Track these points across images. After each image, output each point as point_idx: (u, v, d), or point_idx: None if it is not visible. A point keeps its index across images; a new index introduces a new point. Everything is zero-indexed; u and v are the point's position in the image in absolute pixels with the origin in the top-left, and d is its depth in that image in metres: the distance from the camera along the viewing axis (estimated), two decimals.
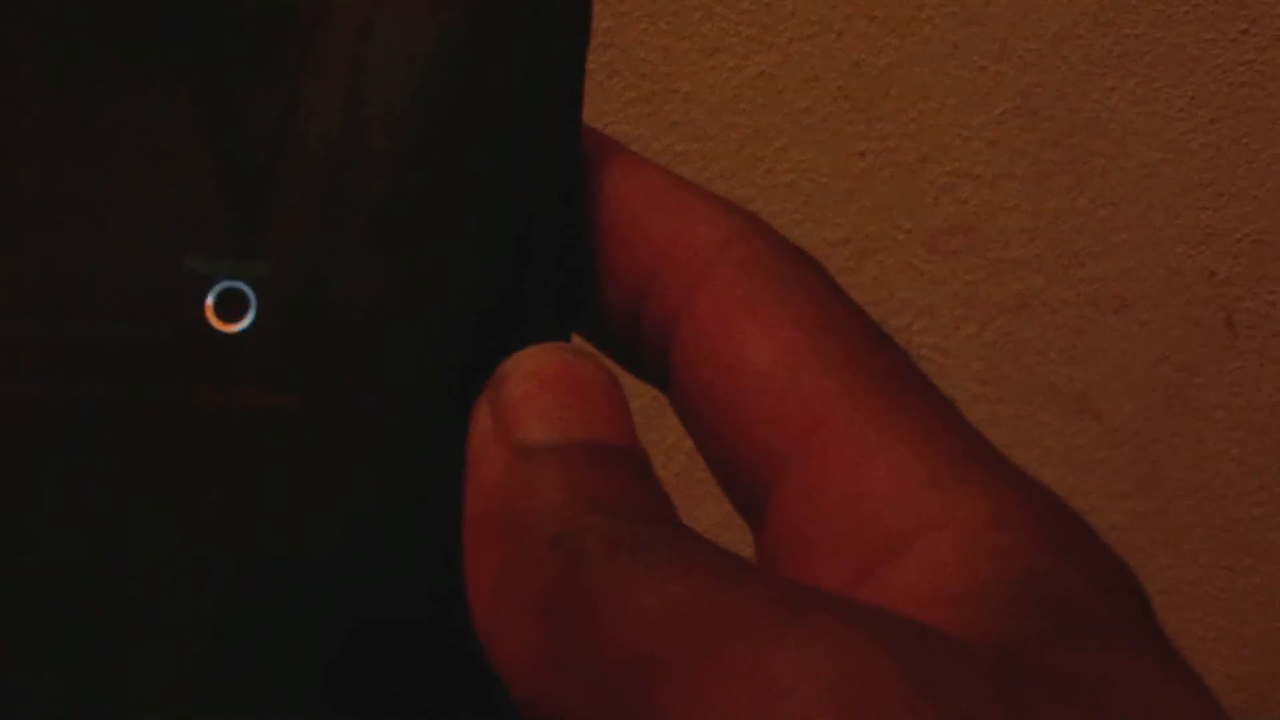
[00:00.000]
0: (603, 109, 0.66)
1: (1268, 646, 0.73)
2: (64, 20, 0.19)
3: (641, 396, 0.20)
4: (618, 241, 0.20)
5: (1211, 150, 0.68)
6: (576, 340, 0.20)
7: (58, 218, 0.19)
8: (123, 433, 0.18)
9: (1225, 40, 0.67)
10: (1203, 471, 0.71)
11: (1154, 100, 0.68)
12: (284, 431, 0.18)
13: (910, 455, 0.17)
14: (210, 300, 0.18)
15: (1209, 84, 0.68)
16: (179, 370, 0.18)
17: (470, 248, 0.19)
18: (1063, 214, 0.69)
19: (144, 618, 0.18)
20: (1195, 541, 0.71)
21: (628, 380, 0.19)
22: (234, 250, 0.19)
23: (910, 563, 0.16)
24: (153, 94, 0.19)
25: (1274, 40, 0.67)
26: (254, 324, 0.18)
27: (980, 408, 0.69)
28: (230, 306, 0.18)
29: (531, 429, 0.17)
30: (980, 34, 0.67)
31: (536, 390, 0.18)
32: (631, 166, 0.20)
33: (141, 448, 0.18)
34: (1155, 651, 0.15)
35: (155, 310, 0.18)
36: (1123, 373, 0.70)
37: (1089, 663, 0.15)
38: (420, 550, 0.18)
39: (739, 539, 0.18)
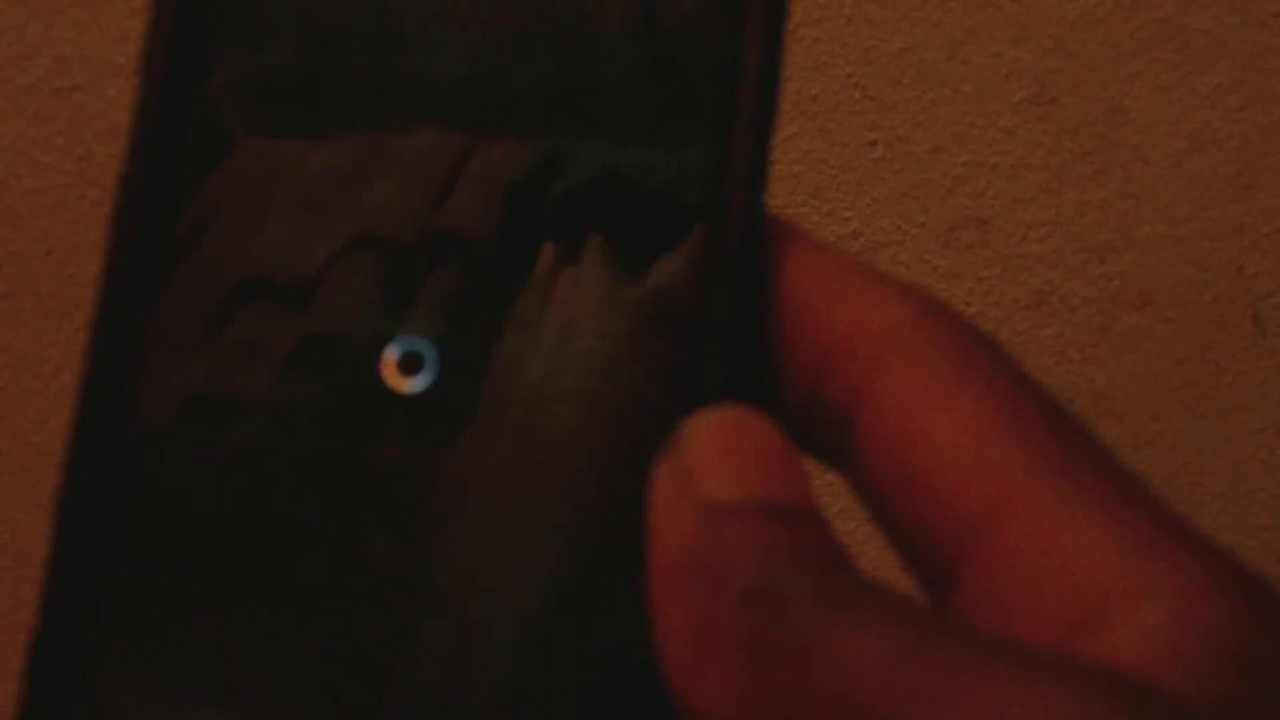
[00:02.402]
0: None
1: None
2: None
3: None
4: (796, 322, 0.20)
5: (1239, 139, 0.68)
6: None
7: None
8: (315, 484, 0.19)
9: (1254, 24, 0.67)
10: (1230, 475, 0.71)
11: (1179, 87, 0.68)
12: (463, 489, 0.19)
13: (1109, 525, 0.18)
14: (391, 358, 0.20)
15: (1237, 70, 0.67)
16: (357, 425, 0.19)
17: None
18: (1082, 207, 0.68)
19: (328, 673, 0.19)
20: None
21: None
22: (414, 309, 0.20)
23: (1119, 630, 0.17)
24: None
25: None
26: (433, 384, 0.20)
27: None
28: (410, 365, 0.20)
29: (717, 486, 0.18)
30: (996, 18, 0.67)
31: (718, 449, 0.19)
32: (808, 247, 0.21)
33: (333, 500, 0.19)
34: None
35: (335, 366, 0.20)
36: (1145, 373, 0.70)
37: None
38: (601, 611, 0.19)
39: None
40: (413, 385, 0.20)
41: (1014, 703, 0.15)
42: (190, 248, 0.20)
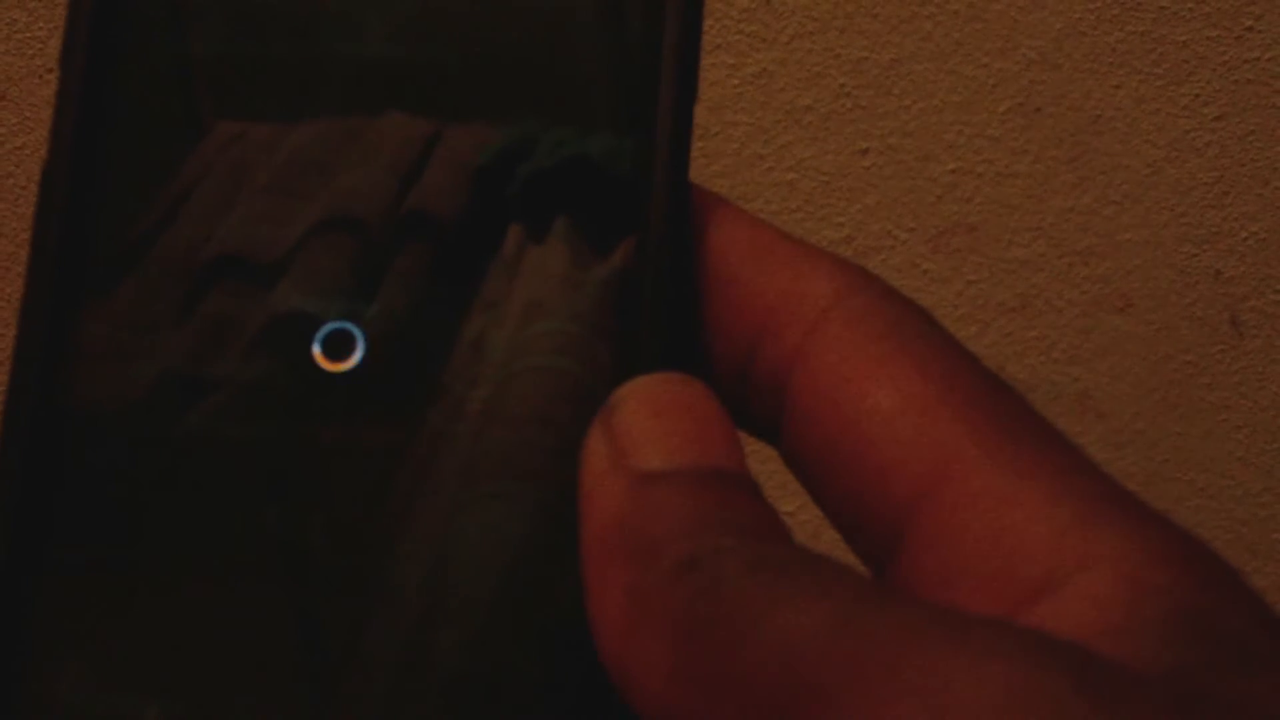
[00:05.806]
0: None
1: None
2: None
3: None
4: (725, 295, 0.20)
5: (1216, 148, 0.68)
6: None
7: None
8: (250, 467, 0.19)
9: (1230, 37, 0.67)
10: (1208, 472, 0.71)
11: (1158, 98, 0.68)
12: (427, 466, 0.19)
13: (1052, 495, 0.17)
14: (318, 340, 0.19)
15: (1213, 81, 0.68)
16: (289, 408, 0.19)
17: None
18: (1066, 213, 0.69)
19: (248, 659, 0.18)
20: None
21: None
22: (342, 293, 0.19)
23: (1066, 599, 0.16)
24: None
25: (1279, 38, 0.67)
26: (361, 362, 0.19)
27: None
28: (338, 346, 0.19)
29: (649, 455, 0.17)
30: (983, 31, 0.67)
31: (650, 417, 0.18)
32: (737, 220, 0.20)
33: (267, 483, 0.19)
34: None
35: (267, 350, 0.19)
36: (1127, 373, 0.70)
37: (1256, 690, 0.15)
38: (564, 588, 0.18)
39: None
40: (347, 364, 0.19)
41: (955, 673, 0.14)
42: (159, 228, 0.19)
